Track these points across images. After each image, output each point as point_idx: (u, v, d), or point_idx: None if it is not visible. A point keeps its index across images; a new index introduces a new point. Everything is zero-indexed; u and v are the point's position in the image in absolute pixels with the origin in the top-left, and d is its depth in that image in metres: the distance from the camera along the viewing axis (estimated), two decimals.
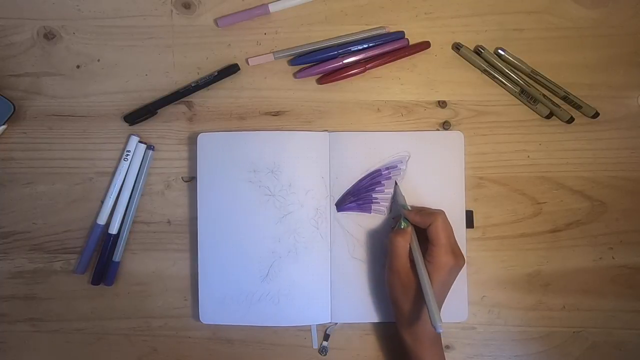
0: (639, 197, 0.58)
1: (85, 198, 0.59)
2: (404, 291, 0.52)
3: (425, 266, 0.50)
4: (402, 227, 0.53)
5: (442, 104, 0.59)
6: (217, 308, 0.57)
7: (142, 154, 0.58)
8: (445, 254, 0.51)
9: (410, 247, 0.52)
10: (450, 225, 0.53)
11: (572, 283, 0.58)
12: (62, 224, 0.59)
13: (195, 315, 0.58)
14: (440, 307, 0.51)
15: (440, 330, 0.46)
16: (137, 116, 0.58)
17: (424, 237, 0.52)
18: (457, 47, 0.58)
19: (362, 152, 0.58)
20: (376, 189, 0.58)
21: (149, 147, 0.58)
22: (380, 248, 0.57)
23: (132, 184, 0.58)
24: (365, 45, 0.58)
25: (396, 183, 0.57)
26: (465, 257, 0.53)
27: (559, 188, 0.59)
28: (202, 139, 0.57)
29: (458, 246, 0.53)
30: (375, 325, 0.58)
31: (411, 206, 0.55)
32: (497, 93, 0.59)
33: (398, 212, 0.56)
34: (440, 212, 0.53)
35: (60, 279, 0.59)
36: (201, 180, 0.57)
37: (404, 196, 0.56)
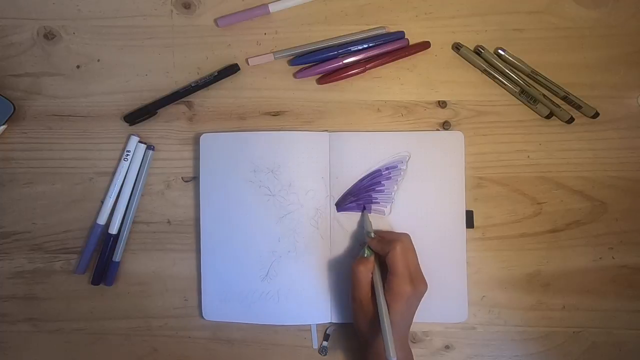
0: (639, 197, 0.58)
1: (85, 198, 0.59)
2: (365, 320, 0.52)
3: (384, 296, 0.50)
4: (365, 255, 0.53)
5: (442, 104, 0.59)
6: (219, 305, 0.57)
7: (142, 154, 0.58)
8: (403, 284, 0.50)
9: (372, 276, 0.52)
10: (412, 250, 0.53)
11: (572, 283, 0.58)
12: (62, 224, 0.59)
13: (196, 314, 0.58)
14: (406, 333, 0.52)
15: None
16: (137, 116, 0.58)
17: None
18: (457, 47, 0.58)
19: (362, 152, 0.58)
20: (376, 189, 0.58)
21: (149, 147, 0.58)
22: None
23: (132, 184, 0.58)
24: (365, 45, 0.58)
25: (364, 208, 0.57)
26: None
27: (559, 188, 0.59)
28: (204, 139, 0.57)
29: (419, 272, 0.52)
30: None
31: (376, 231, 0.55)
32: (497, 93, 0.59)
33: (364, 239, 0.56)
34: (400, 239, 0.52)
35: (60, 279, 0.59)
36: (203, 180, 0.57)
37: (370, 222, 0.56)
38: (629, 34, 0.59)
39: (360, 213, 0.57)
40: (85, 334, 0.59)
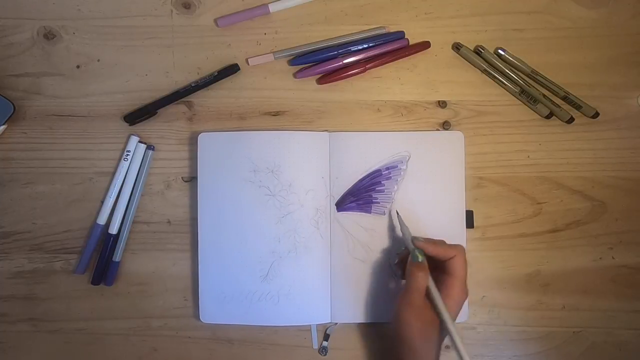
0: (639, 197, 0.58)
1: (85, 198, 0.59)
2: (418, 326, 0.49)
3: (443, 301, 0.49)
4: (420, 260, 0.51)
5: (442, 104, 0.59)
6: (217, 307, 0.57)
7: (142, 154, 0.58)
8: (463, 289, 0.50)
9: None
10: None
11: (572, 283, 0.58)
12: (62, 224, 0.59)
13: (196, 315, 0.58)
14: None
15: None
16: (137, 116, 0.58)
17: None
18: (457, 47, 0.58)
19: (362, 152, 0.58)
20: (376, 189, 0.58)
21: (149, 147, 0.58)
22: (379, 248, 0.57)
23: (132, 184, 0.58)
24: (365, 45, 0.58)
25: (398, 213, 0.56)
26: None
27: (559, 188, 0.59)
28: (202, 138, 0.57)
29: None
30: (375, 325, 0.58)
31: (415, 237, 0.53)
32: (497, 93, 0.59)
33: (400, 245, 0.56)
34: (461, 246, 0.52)
35: (60, 279, 0.59)
36: (202, 180, 0.57)
37: (407, 226, 0.55)
38: (628, 34, 0.59)
39: (387, 216, 0.57)
40: (85, 334, 0.59)
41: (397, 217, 0.56)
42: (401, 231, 0.55)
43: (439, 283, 0.50)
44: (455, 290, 0.50)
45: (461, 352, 0.47)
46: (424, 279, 0.50)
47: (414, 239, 0.53)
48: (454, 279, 0.50)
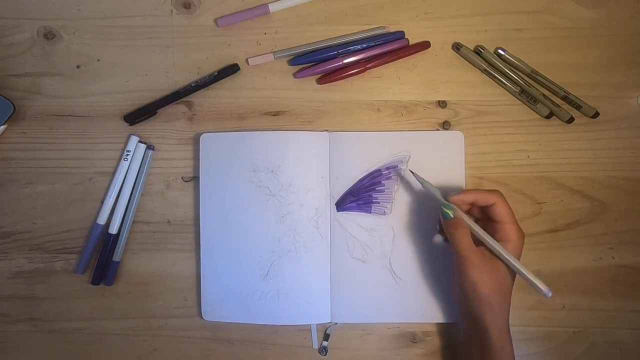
0: (639, 197, 0.58)
1: (85, 198, 0.59)
2: (492, 280, 0.48)
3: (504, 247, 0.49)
4: (450, 217, 0.50)
5: (442, 104, 0.59)
6: (218, 306, 0.57)
7: (142, 154, 0.58)
8: (517, 231, 0.50)
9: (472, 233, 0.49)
10: None
11: (572, 283, 0.58)
12: (62, 224, 0.59)
13: (196, 314, 0.58)
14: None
15: (550, 294, 0.47)
16: (137, 116, 0.58)
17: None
18: (457, 47, 0.58)
19: (362, 152, 0.58)
20: (376, 189, 0.58)
21: (149, 147, 0.58)
22: (379, 248, 0.57)
23: (132, 184, 0.58)
24: (365, 45, 0.58)
25: (412, 172, 0.54)
26: None
27: (559, 188, 0.59)
28: (204, 139, 0.57)
29: None
30: (375, 325, 0.58)
31: (448, 193, 0.52)
32: (497, 93, 0.59)
33: (431, 209, 0.55)
34: (498, 191, 0.51)
35: (60, 279, 0.59)
36: (203, 180, 0.57)
37: (429, 182, 0.53)
38: (628, 34, 0.59)
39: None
40: (85, 334, 0.59)
41: (415, 176, 0.54)
42: (426, 189, 0.53)
43: (492, 231, 0.50)
44: (510, 233, 0.49)
45: (534, 282, 0.48)
46: (464, 234, 0.49)
47: (448, 194, 0.51)
48: (504, 224, 0.50)
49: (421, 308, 0.57)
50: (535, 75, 0.58)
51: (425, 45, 0.58)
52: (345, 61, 0.58)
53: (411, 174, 0.55)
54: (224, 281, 0.57)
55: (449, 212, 0.50)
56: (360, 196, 0.58)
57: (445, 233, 0.51)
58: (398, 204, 0.58)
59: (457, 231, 0.49)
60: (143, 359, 0.59)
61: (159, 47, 0.59)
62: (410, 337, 0.58)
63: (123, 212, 0.58)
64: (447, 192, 0.52)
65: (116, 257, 0.58)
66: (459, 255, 0.49)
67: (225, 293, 0.57)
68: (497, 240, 0.50)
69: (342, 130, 0.58)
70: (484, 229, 0.50)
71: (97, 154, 0.59)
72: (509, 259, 0.49)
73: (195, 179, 0.58)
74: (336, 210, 0.58)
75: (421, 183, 0.54)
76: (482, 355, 0.49)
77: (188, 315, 0.59)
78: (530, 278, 0.48)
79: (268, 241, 0.57)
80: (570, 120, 0.58)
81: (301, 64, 0.59)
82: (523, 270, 0.49)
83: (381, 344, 0.59)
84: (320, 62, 0.58)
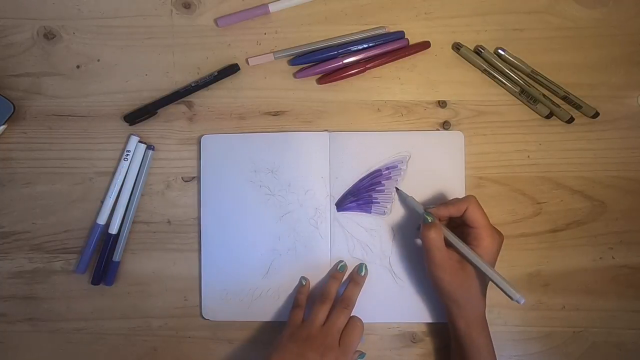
0: (639, 197, 0.58)
1: (85, 198, 0.59)
2: (453, 279, 0.51)
3: (475, 251, 0.50)
4: (429, 221, 0.52)
5: (442, 104, 0.59)
6: (219, 304, 0.58)
7: (142, 154, 0.58)
8: (491, 234, 0.51)
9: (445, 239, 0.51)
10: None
11: (572, 283, 0.58)
12: (62, 224, 0.59)
13: (196, 314, 0.58)
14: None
15: (523, 301, 0.48)
16: (137, 116, 0.58)
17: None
18: (457, 47, 0.58)
19: (362, 152, 0.58)
20: (376, 189, 0.58)
21: (149, 147, 0.58)
22: (379, 248, 0.57)
23: (132, 184, 0.58)
24: (365, 45, 0.58)
25: (397, 189, 0.57)
26: None
27: (559, 188, 0.59)
28: (205, 141, 0.57)
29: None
30: (375, 325, 0.58)
31: (426, 206, 0.54)
32: (497, 93, 0.59)
33: (417, 220, 0.56)
34: (471, 196, 0.53)
35: (60, 279, 0.59)
36: (204, 180, 0.58)
37: (412, 197, 0.56)
38: (629, 34, 0.59)
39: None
40: (85, 334, 0.59)
41: (399, 192, 0.57)
42: (408, 204, 0.56)
43: (467, 237, 0.52)
44: (482, 238, 0.51)
45: (503, 288, 0.49)
46: (435, 235, 0.51)
47: (426, 208, 0.54)
48: (476, 228, 0.51)
49: (421, 308, 0.57)
50: (535, 75, 0.58)
51: (425, 45, 0.58)
52: (345, 61, 0.58)
53: (396, 189, 0.57)
54: (225, 280, 0.57)
55: (428, 218, 0.52)
56: (360, 196, 0.58)
57: (421, 236, 0.52)
58: (398, 204, 0.58)
59: (430, 232, 0.51)
60: (143, 359, 0.59)
61: (159, 47, 0.59)
62: (410, 337, 0.58)
63: (123, 212, 0.58)
64: (427, 205, 0.55)
65: (116, 257, 0.58)
66: (425, 252, 0.52)
67: (226, 292, 0.58)
68: (469, 244, 0.51)
69: (342, 130, 0.58)
70: (462, 234, 0.52)
71: (97, 154, 0.59)
72: (479, 265, 0.50)
73: (195, 179, 0.58)
74: (336, 210, 0.58)
75: (404, 199, 0.56)
76: (457, 348, 0.53)
77: (188, 315, 0.59)
78: (501, 285, 0.49)
79: (268, 240, 0.57)
80: (571, 120, 0.58)
81: (301, 64, 0.59)
82: (494, 278, 0.49)
83: (381, 343, 0.59)
84: (320, 62, 0.58)
